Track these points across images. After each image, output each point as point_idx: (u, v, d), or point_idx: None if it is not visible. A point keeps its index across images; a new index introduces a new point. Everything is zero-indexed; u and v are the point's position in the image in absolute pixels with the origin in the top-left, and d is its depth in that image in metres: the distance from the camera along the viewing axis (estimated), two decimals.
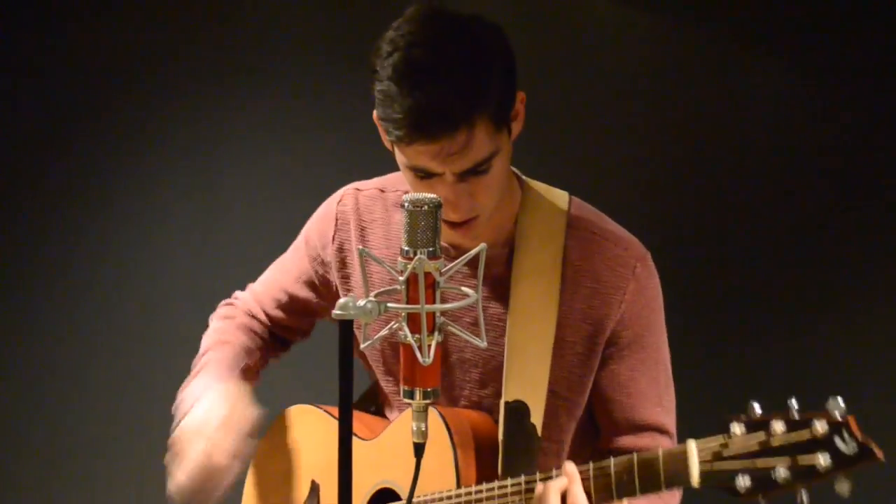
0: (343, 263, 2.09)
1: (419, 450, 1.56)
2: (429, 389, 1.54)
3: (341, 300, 1.48)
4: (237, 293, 2.29)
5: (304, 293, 2.17)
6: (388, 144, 1.90)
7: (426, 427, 1.55)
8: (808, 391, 2.61)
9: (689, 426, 1.91)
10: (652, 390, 1.97)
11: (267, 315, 2.23)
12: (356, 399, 2.26)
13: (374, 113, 1.86)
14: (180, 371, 2.24)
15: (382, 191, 2.07)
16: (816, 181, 3.08)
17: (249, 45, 3.65)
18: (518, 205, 1.97)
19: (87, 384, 3.86)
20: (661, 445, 1.87)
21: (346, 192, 2.11)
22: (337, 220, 2.09)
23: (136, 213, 3.80)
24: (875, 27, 3.01)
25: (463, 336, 1.54)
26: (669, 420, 1.99)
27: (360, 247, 1.59)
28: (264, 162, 3.64)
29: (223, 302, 2.29)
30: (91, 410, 3.85)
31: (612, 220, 2.00)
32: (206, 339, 2.22)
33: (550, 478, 1.79)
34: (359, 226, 2.07)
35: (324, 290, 2.15)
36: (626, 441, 1.96)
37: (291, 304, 2.20)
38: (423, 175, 1.81)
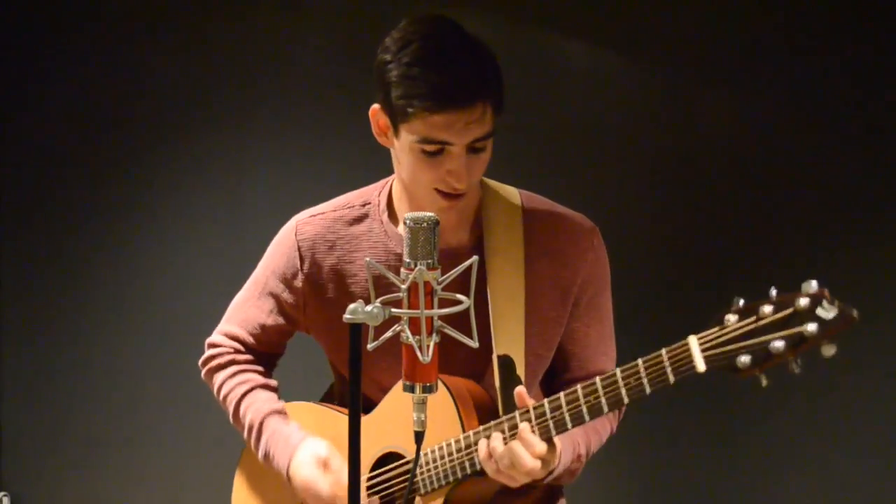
0: (318, 287, 2.23)
1: (419, 437, 1.72)
2: (427, 384, 1.70)
3: (351, 306, 1.64)
4: (215, 342, 2.37)
5: (280, 322, 2.31)
6: (380, 137, 2.09)
7: (425, 417, 1.71)
8: None
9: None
10: (601, 343, 2.24)
11: (252, 350, 2.36)
12: (320, 399, 2.45)
13: (374, 106, 2.07)
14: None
15: (335, 211, 2.25)
16: (771, 197, 3.32)
17: (274, 59, 3.77)
18: (479, 195, 2.20)
19: (115, 383, 3.99)
20: None
21: (299, 222, 2.26)
22: (300, 249, 2.24)
23: (159, 221, 3.92)
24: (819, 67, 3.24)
25: (457, 338, 1.69)
26: (612, 365, 2.24)
27: (368, 258, 1.77)
28: (288, 171, 3.76)
29: (210, 358, 2.37)
30: (116, 409, 3.99)
31: (557, 203, 2.25)
32: (239, 405, 2.32)
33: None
34: (326, 247, 2.22)
35: (296, 314, 2.28)
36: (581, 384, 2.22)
37: (270, 335, 2.33)
38: (432, 151, 2.01)
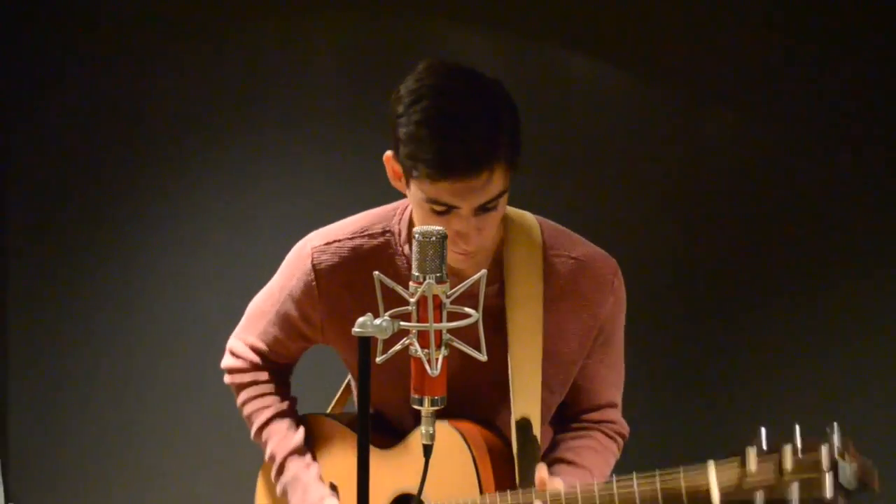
0: (337, 314, 2.22)
1: (427, 451, 1.72)
2: (436, 397, 1.70)
3: (360, 319, 1.64)
4: (236, 351, 2.38)
5: (297, 341, 2.33)
6: (394, 182, 2.08)
7: (433, 431, 1.72)
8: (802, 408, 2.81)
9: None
10: (611, 376, 2.26)
11: (271, 361, 2.37)
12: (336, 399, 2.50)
13: (388, 153, 2.05)
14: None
15: (352, 239, 2.21)
16: (774, 213, 3.34)
17: (284, 70, 3.77)
18: (500, 232, 2.17)
19: (130, 390, 3.98)
20: (611, 417, 2.24)
21: (314, 249, 2.22)
22: (317, 279, 2.21)
23: (168, 231, 3.91)
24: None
25: (466, 351, 1.69)
26: (619, 394, 2.29)
27: (376, 272, 1.76)
28: (298, 183, 3.76)
29: (232, 369, 2.39)
30: (129, 414, 3.97)
31: (579, 236, 2.23)
32: (261, 432, 2.35)
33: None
34: (345, 280, 2.20)
35: (314, 335, 2.30)
36: (588, 416, 2.26)
37: (289, 349, 2.36)
38: (441, 210, 1.99)
